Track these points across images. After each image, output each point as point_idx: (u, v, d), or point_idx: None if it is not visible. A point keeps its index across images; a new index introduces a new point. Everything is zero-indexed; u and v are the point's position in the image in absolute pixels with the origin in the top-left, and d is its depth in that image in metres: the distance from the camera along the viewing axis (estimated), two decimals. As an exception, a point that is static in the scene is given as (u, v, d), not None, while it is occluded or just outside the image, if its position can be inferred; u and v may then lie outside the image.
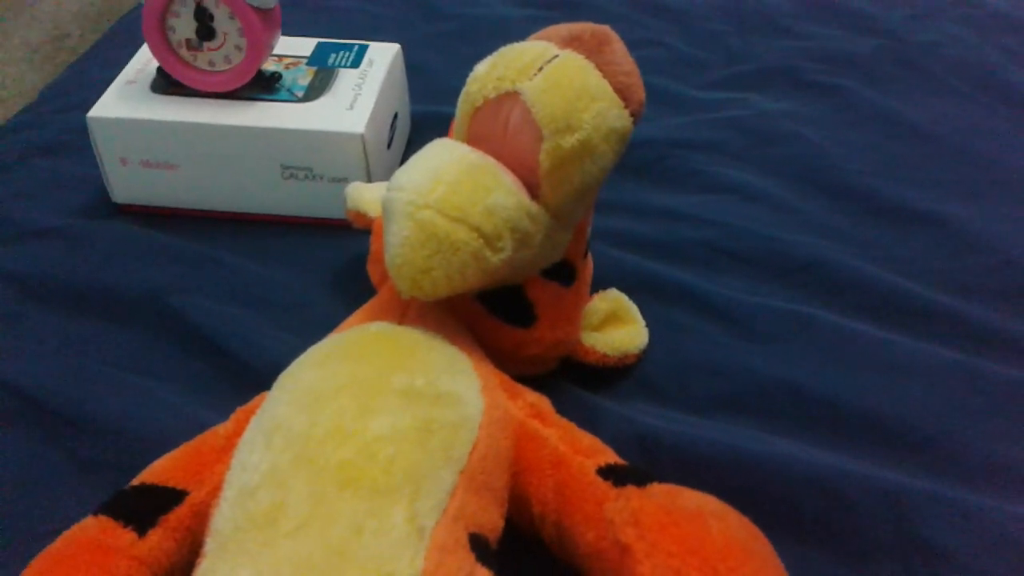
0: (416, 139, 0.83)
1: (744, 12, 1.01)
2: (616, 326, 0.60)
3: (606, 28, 0.50)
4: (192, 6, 0.67)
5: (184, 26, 0.68)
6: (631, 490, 0.42)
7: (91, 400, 0.57)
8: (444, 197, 0.44)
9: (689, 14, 1.01)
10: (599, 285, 0.62)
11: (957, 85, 0.88)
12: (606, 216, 0.74)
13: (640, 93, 0.50)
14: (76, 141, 0.79)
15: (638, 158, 0.80)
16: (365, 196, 0.65)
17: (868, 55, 0.93)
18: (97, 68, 0.90)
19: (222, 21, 0.68)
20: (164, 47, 0.69)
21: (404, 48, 0.79)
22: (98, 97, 0.71)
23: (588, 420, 0.51)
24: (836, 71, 0.91)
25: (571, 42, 0.48)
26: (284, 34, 0.73)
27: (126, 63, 0.75)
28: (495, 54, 0.49)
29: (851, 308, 0.65)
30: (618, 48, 0.50)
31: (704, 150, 0.81)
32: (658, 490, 0.42)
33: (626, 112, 0.49)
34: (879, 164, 0.79)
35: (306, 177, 0.70)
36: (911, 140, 0.82)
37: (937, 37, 0.95)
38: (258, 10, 0.67)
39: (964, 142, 0.81)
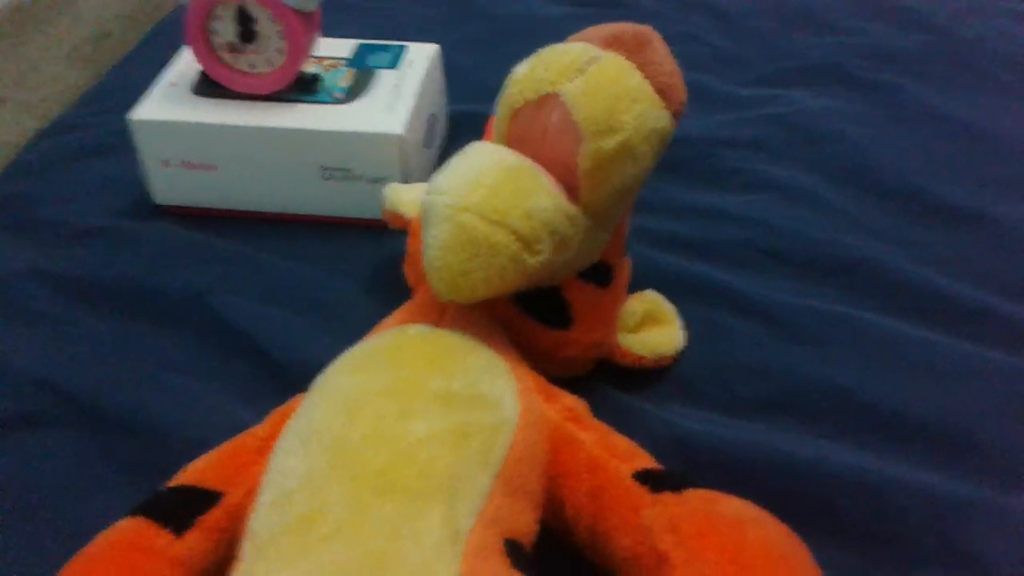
0: (454, 139, 0.83)
1: (786, 8, 1.00)
2: (653, 328, 0.60)
3: (647, 28, 0.50)
4: (234, 9, 0.68)
5: (226, 29, 0.69)
6: (668, 496, 0.42)
7: (132, 401, 0.58)
8: (483, 200, 0.44)
9: (730, 10, 1.00)
10: (638, 286, 0.61)
11: (1005, 80, 0.87)
12: (646, 216, 0.73)
13: (681, 93, 0.50)
14: (118, 143, 0.80)
15: (679, 156, 0.79)
16: (402, 197, 0.65)
17: (914, 51, 0.91)
18: (138, 70, 0.91)
19: (264, 24, 0.68)
20: (206, 50, 0.70)
21: (443, 48, 0.79)
22: (139, 99, 0.72)
23: (625, 423, 0.50)
24: (881, 67, 0.89)
25: (612, 43, 0.48)
26: (324, 35, 0.73)
27: (167, 64, 0.76)
28: (535, 55, 0.49)
29: (897, 309, 0.63)
30: (659, 48, 0.49)
31: (746, 148, 0.80)
32: (695, 496, 0.42)
33: (667, 113, 0.48)
34: (925, 162, 0.77)
35: (345, 177, 0.71)
36: (958, 137, 0.80)
37: (983, 32, 0.93)
38: (299, 13, 0.67)
39: (1012, 139, 0.79)
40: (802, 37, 0.95)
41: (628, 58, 0.47)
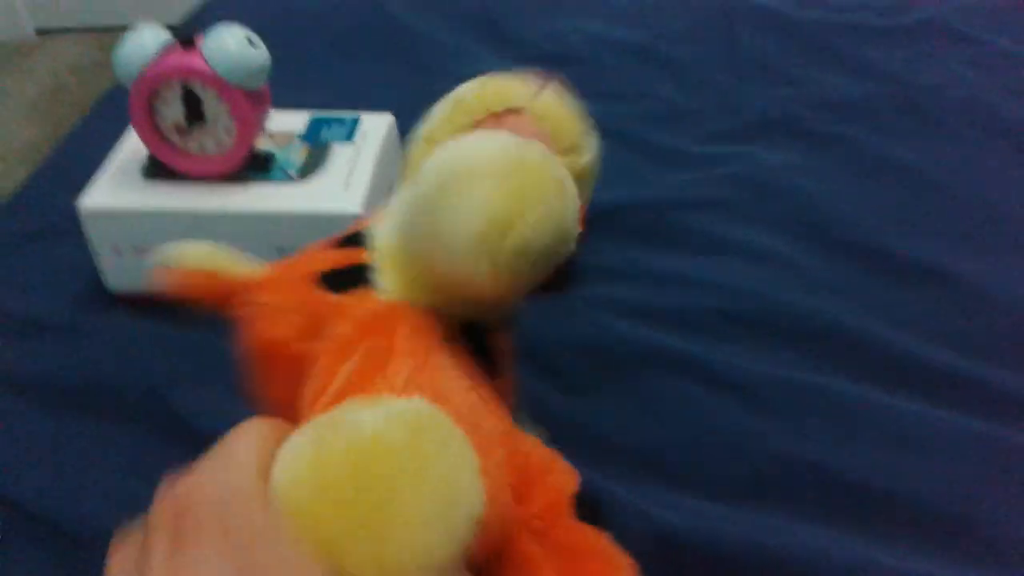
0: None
1: (738, 58, 0.99)
2: None
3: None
4: (179, 91, 0.66)
5: (172, 111, 0.67)
6: None
7: (86, 510, 0.55)
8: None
9: (681, 62, 0.99)
10: (606, 361, 0.60)
11: (964, 129, 0.87)
12: (609, 283, 0.72)
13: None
14: (70, 225, 0.77)
15: (639, 220, 0.78)
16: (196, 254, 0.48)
17: (870, 100, 0.91)
18: (92, 143, 0.89)
19: (211, 104, 0.66)
20: (152, 133, 0.68)
21: (397, 112, 0.78)
22: (88, 183, 0.69)
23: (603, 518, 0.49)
24: (838, 119, 0.89)
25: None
26: (278, 101, 0.71)
27: (118, 141, 0.74)
28: (475, 81, 0.50)
29: (868, 376, 0.63)
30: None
31: (706, 209, 0.79)
32: None
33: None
34: (886, 217, 0.77)
35: (303, 257, 0.69)
36: (919, 190, 0.80)
37: (941, 79, 0.93)
38: (246, 91, 0.66)
39: (973, 190, 0.79)
40: (756, 89, 0.95)
41: None
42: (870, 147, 0.85)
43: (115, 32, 2.61)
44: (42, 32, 2.72)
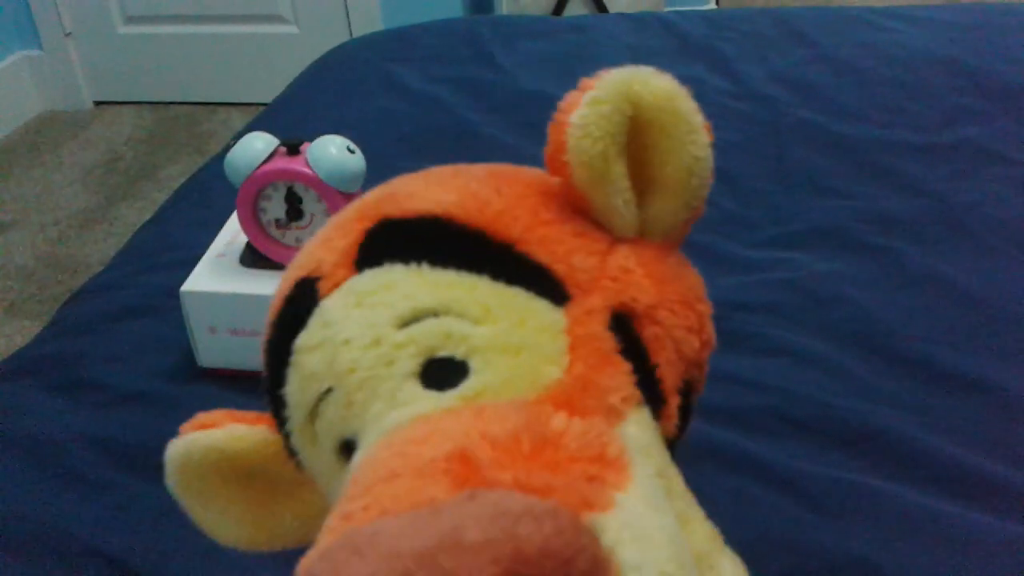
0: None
1: (788, 171, 1.05)
2: None
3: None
4: (283, 190, 0.72)
5: (275, 207, 0.73)
6: None
7: (185, 571, 0.60)
8: None
9: (734, 172, 1.05)
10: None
11: (1001, 246, 0.91)
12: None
13: None
14: (158, 304, 0.84)
15: (696, 320, 0.83)
16: None
17: (913, 215, 0.96)
18: (175, 229, 0.95)
19: (310, 203, 0.72)
20: (255, 225, 0.74)
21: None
22: (176, 260, 0.76)
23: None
24: (882, 231, 0.94)
25: None
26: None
27: (199, 224, 0.80)
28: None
29: (916, 480, 0.66)
30: None
31: (759, 312, 0.84)
32: None
33: None
34: (929, 328, 0.81)
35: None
36: (958, 304, 0.84)
37: (979, 196, 0.98)
38: (343, 193, 0.72)
39: (1009, 307, 0.83)
40: (804, 200, 1.00)
41: None
42: (913, 260, 0.89)
43: (169, 106, 2.73)
44: (100, 104, 2.83)
